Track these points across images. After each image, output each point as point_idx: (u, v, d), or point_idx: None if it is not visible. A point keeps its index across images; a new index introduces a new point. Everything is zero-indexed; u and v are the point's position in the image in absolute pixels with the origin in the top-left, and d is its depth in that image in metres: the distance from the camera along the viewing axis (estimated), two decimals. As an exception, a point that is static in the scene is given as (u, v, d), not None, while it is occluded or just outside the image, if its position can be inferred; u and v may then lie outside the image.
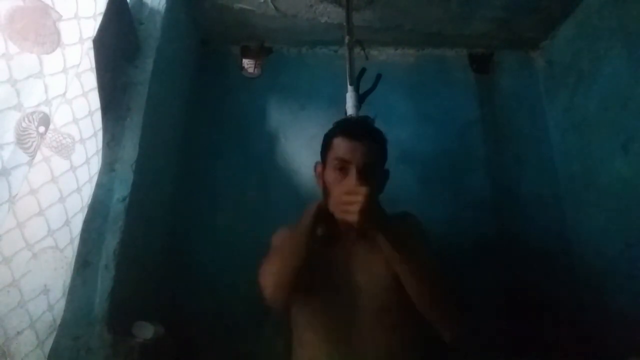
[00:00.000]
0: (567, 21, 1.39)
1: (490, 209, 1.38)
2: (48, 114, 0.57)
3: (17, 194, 0.54)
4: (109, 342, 0.82)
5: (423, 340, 0.87)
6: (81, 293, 0.84)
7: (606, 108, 1.21)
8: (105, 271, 0.87)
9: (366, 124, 0.97)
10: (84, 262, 0.85)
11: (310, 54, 1.55)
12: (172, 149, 1.25)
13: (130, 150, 0.96)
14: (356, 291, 0.86)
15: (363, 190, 0.73)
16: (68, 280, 0.69)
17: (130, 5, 1.00)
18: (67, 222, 0.66)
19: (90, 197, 0.73)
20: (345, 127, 0.92)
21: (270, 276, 0.82)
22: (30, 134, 0.54)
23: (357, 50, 1.20)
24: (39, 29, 0.55)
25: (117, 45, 0.93)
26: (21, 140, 0.53)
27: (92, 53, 0.70)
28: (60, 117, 0.64)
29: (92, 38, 0.66)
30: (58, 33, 0.58)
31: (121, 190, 0.93)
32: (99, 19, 0.67)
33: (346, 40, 1.16)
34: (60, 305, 0.67)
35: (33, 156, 0.55)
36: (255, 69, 1.52)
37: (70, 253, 0.68)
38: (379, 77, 1.14)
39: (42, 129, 0.56)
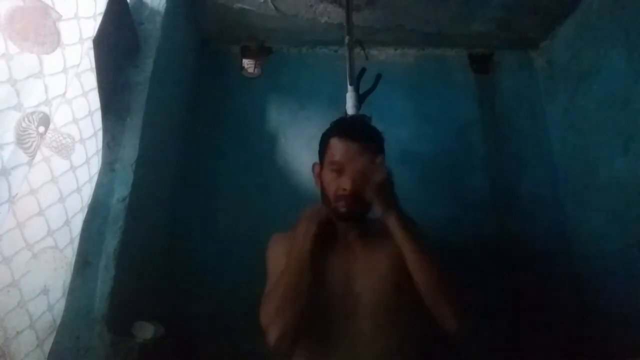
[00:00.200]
0: (567, 21, 1.39)
1: (490, 209, 1.38)
2: (48, 114, 0.57)
3: (17, 194, 0.54)
4: (109, 342, 0.82)
5: (420, 342, 0.87)
6: (81, 293, 0.84)
7: (606, 108, 1.21)
8: (105, 271, 0.86)
9: (362, 123, 0.97)
10: (84, 262, 0.85)
11: (310, 54, 1.55)
12: (172, 149, 1.25)
13: (130, 150, 0.96)
14: (355, 292, 0.86)
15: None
16: (68, 280, 0.69)
17: (130, 5, 1.00)
18: (67, 222, 0.66)
19: (90, 197, 0.73)
20: (340, 128, 0.93)
21: (275, 319, 0.78)
22: (30, 134, 0.54)
23: (357, 50, 1.20)
24: (39, 29, 0.55)
25: (117, 45, 0.93)
26: (21, 140, 0.53)
27: (92, 53, 0.70)
28: (60, 117, 0.64)
29: (92, 38, 0.66)
30: (58, 33, 0.58)
31: (121, 190, 0.93)
32: (99, 19, 0.67)
33: (346, 40, 1.16)
34: (60, 305, 0.67)
35: (33, 156, 0.55)
36: (255, 69, 1.52)
37: (70, 253, 0.68)
38: (379, 77, 1.14)
39: (42, 129, 0.56)
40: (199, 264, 1.27)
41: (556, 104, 1.45)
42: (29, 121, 0.54)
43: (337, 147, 0.89)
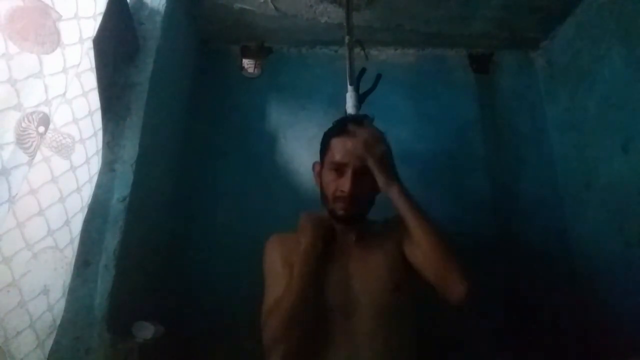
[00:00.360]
0: (567, 21, 1.39)
1: (490, 209, 1.38)
2: (48, 114, 0.57)
3: (17, 194, 0.54)
4: (109, 342, 0.82)
5: (417, 344, 0.87)
6: (81, 293, 0.84)
7: (606, 108, 1.21)
8: (105, 271, 0.86)
9: (364, 123, 0.97)
10: (84, 262, 0.85)
11: (310, 54, 1.55)
12: (172, 149, 1.25)
13: (130, 150, 0.96)
14: (354, 294, 0.86)
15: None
16: (68, 280, 0.69)
17: (130, 5, 1.00)
18: (67, 222, 0.66)
19: (90, 197, 0.73)
20: (341, 128, 0.93)
21: (279, 340, 0.79)
22: (30, 134, 0.54)
23: (357, 50, 1.20)
24: (39, 29, 0.55)
25: (117, 45, 0.93)
26: (21, 140, 0.53)
27: (92, 53, 0.70)
28: (60, 117, 0.64)
29: (92, 38, 0.66)
30: (58, 33, 0.58)
31: (121, 190, 0.93)
32: (99, 19, 0.66)
33: (346, 40, 1.16)
34: (60, 305, 0.67)
35: (33, 156, 0.55)
36: (255, 69, 1.52)
37: (70, 253, 0.68)
38: (379, 77, 1.14)
39: (42, 129, 0.56)
40: (199, 263, 1.27)
41: (556, 104, 1.45)
42: (29, 121, 0.54)
43: (338, 147, 0.89)
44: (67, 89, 0.61)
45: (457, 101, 1.50)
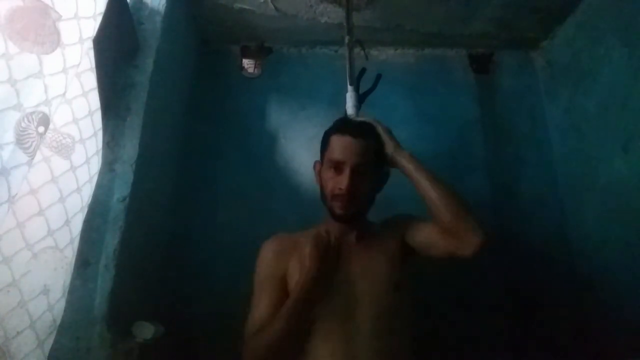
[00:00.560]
0: (567, 21, 1.39)
1: (490, 209, 1.38)
2: (48, 114, 0.57)
3: (16, 194, 0.54)
4: (109, 342, 0.82)
5: (416, 344, 0.88)
6: (81, 293, 0.83)
7: (606, 108, 1.20)
8: (105, 271, 0.86)
9: (363, 122, 0.97)
10: (84, 262, 0.85)
11: (310, 54, 1.55)
12: (172, 149, 1.25)
13: (130, 150, 0.96)
14: (355, 294, 0.86)
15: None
16: (68, 280, 0.69)
17: (130, 5, 1.00)
18: (67, 222, 0.66)
19: (90, 197, 0.73)
20: (340, 126, 0.93)
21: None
22: (29, 134, 0.54)
23: (357, 50, 1.20)
24: (39, 29, 0.55)
25: (117, 45, 0.93)
26: (21, 140, 0.53)
27: (92, 53, 0.70)
28: (60, 117, 0.64)
29: (92, 38, 0.66)
30: (58, 33, 0.58)
31: (121, 190, 0.93)
32: (99, 19, 0.66)
33: (346, 40, 1.16)
34: (60, 305, 0.67)
35: (33, 156, 0.55)
36: (255, 69, 1.52)
37: (70, 253, 0.68)
38: (379, 77, 1.14)
39: (41, 129, 0.56)
40: (199, 264, 1.27)
41: (556, 104, 1.45)
42: (29, 121, 0.54)
43: (337, 145, 0.89)
44: (67, 89, 0.61)
45: (457, 101, 1.50)
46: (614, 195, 1.17)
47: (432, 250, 0.88)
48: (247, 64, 1.52)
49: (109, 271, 0.87)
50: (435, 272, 1.09)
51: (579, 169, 1.32)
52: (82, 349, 0.81)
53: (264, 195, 1.36)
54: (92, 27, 0.65)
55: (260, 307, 0.86)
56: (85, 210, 0.71)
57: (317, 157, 0.99)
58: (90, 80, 0.70)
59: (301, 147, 1.41)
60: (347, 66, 1.13)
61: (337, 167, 0.88)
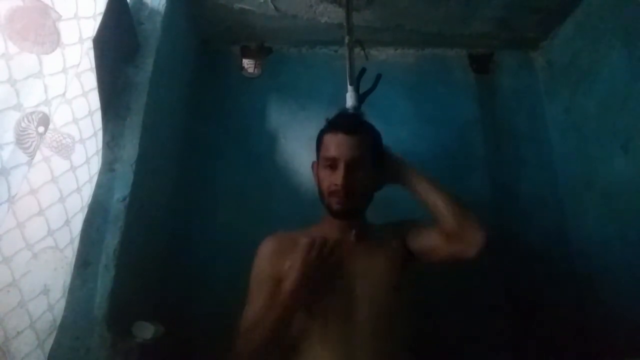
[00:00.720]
0: (567, 21, 1.39)
1: (490, 209, 1.38)
2: (48, 114, 0.57)
3: (16, 194, 0.54)
4: (109, 342, 0.82)
5: (416, 344, 0.88)
6: (81, 293, 0.83)
7: (606, 108, 1.20)
8: (105, 271, 0.86)
9: (354, 117, 0.97)
10: (84, 262, 0.85)
11: (310, 54, 1.55)
12: (172, 149, 1.25)
13: (130, 150, 0.96)
14: (354, 294, 0.86)
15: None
16: (68, 280, 0.68)
17: (130, 5, 1.00)
18: (67, 222, 0.66)
19: (90, 197, 0.73)
20: (332, 123, 0.93)
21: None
22: (29, 134, 0.54)
23: (357, 50, 1.20)
24: (39, 29, 0.55)
25: (117, 45, 0.93)
26: (20, 140, 0.53)
27: (92, 53, 0.70)
28: (60, 117, 0.64)
29: (92, 38, 0.66)
30: (58, 33, 0.58)
31: (121, 190, 0.93)
32: (99, 19, 0.66)
33: (346, 40, 1.16)
34: (60, 305, 0.67)
35: (32, 156, 0.55)
36: (255, 69, 1.52)
37: (70, 253, 0.68)
38: (379, 77, 1.14)
39: (41, 129, 0.56)
40: (199, 263, 1.27)
41: (556, 104, 1.45)
42: (29, 121, 0.54)
43: (330, 142, 0.90)
44: (67, 89, 0.61)
45: (457, 101, 1.50)
46: (614, 195, 1.17)
47: (434, 253, 0.88)
48: (247, 64, 1.52)
49: (109, 271, 0.87)
50: (435, 273, 1.09)
51: (579, 169, 1.32)
52: (82, 349, 0.81)
53: (264, 195, 1.36)
54: (92, 27, 0.65)
55: (254, 305, 0.86)
56: (85, 210, 0.71)
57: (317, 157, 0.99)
58: (90, 80, 0.70)
59: (301, 147, 1.41)
60: (347, 66, 1.13)
61: (332, 164, 0.88)
